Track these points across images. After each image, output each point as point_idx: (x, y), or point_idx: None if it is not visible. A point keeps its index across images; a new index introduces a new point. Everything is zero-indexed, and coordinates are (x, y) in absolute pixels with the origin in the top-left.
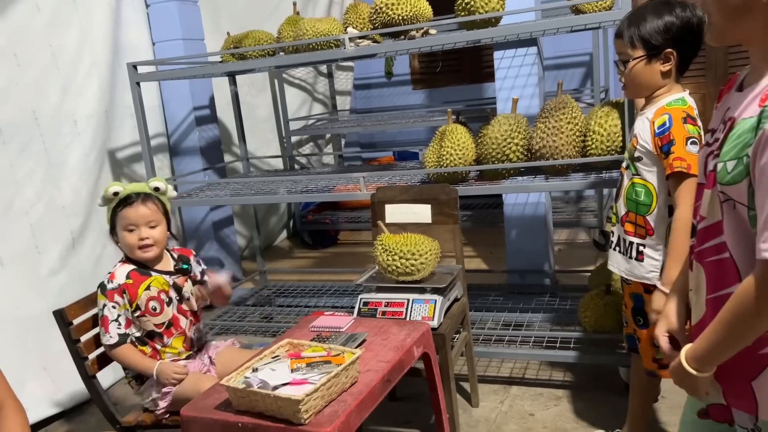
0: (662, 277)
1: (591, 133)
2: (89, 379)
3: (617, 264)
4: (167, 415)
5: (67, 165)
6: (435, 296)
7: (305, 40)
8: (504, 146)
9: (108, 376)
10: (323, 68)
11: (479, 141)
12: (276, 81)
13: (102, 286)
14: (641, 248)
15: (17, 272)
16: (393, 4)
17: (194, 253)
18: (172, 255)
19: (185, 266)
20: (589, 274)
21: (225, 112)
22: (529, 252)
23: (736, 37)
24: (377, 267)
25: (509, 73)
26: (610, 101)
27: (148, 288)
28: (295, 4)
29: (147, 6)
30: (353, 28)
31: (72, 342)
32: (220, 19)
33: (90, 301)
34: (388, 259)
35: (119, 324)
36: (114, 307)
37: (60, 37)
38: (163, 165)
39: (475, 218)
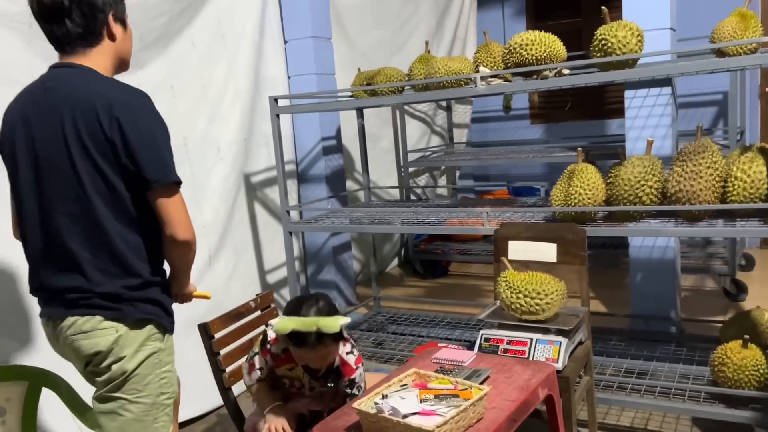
0: None
1: (733, 179)
2: (225, 390)
3: None
4: None
5: (209, 187)
6: (560, 338)
7: (437, 78)
8: (637, 188)
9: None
10: (443, 102)
11: (610, 181)
12: (398, 114)
13: (264, 339)
14: None
15: None
16: (527, 45)
17: (357, 371)
18: (334, 362)
19: (330, 384)
20: (721, 325)
21: (351, 142)
22: (654, 297)
23: None
24: (498, 303)
25: (641, 112)
26: (752, 146)
27: (290, 369)
28: (427, 43)
29: (285, 42)
30: (484, 66)
31: (213, 354)
32: (351, 55)
33: (231, 317)
34: (512, 297)
35: (261, 372)
36: (262, 359)
37: (210, 70)
38: (291, 190)
39: (595, 258)
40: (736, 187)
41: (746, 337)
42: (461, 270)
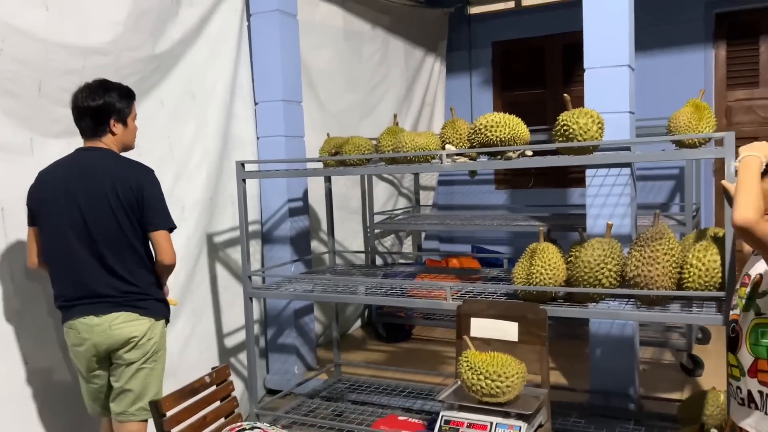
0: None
1: (688, 267)
2: None
3: (750, 423)
4: None
5: None
6: (520, 422)
7: (403, 153)
8: (597, 271)
9: None
10: None
11: (570, 261)
12: (366, 176)
13: None
14: None
15: None
16: (492, 126)
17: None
18: None
19: None
20: (678, 404)
21: (318, 203)
22: (613, 373)
23: None
24: (459, 382)
25: (601, 191)
26: (707, 232)
27: None
28: (395, 116)
29: (256, 103)
30: (450, 143)
31: None
32: (323, 117)
33: (184, 393)
34: (473, 378)
35: None
36: None
37: (178, 129)
38: (255, 251)
39: (555, 328)
40: (691, 274)
41: (704, 422)
42: (424, 334)
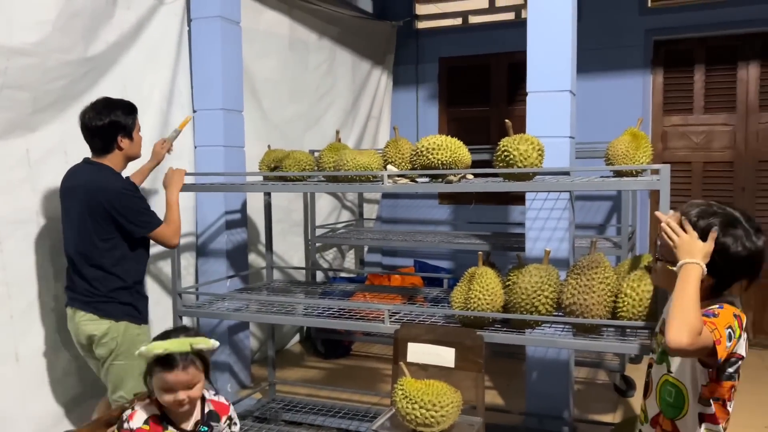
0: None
1: (623, 296)
2: None
3: None
4: None
5: None
6: None
7: (344, 172)
8: (534, 297)
9: None
10: None
11: (508, 287)
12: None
13: (120, 424)
14: None
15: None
16: (434, 149)
17: (231, 407)
18: (204, 408)
19: (204, 429)
20: (611, 428)
21: (258, 215)
22: (548, 396)
23: None
24: (393, 410)
25: (540, 214)
26: (641, 260)
27: None
28: (337, 132)
29: (194, 111)
30: (392, 164)
31: None
32: (265, 127)
33: (100, 424)
34: (407, 407)
35: None
36: None
37: None
38: (189, 264)
39: (493, 346)
40: (626, 303)
41: None
42: (363, 350)
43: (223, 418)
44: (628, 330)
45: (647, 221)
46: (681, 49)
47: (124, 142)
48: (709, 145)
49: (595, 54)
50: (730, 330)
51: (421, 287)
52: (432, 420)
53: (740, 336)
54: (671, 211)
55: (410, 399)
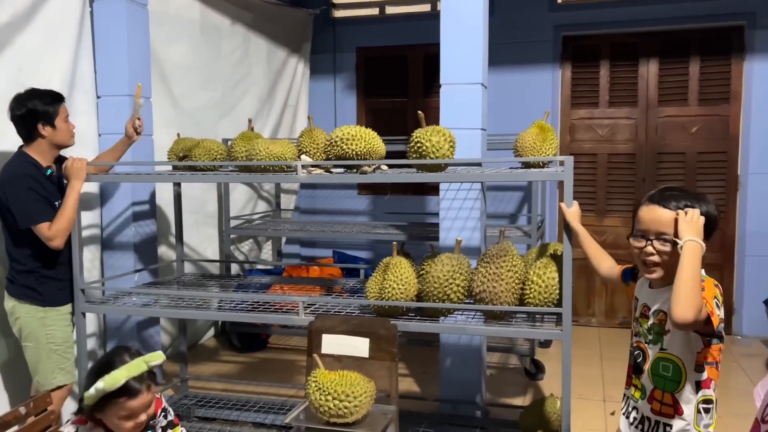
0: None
1: (530, 283)
2: None
3: None
4: None
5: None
6: None
7: (257, 162)
8: (446, 286)
9: None
10: None
11: (421, 277)
12: None
13: None
14: (668, 429)
15: None
16: (348, 140)
17: (164, 401)
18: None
19: None
20: (521, 410)
21: (169, 206)
22: (462, 382)
23: None
24: (307, 402)
25: (453, 204)
26: (548, 248)
27: None
28: (250, 120)
29: (98, 97)
30: (307, 154)
31: None
32: (177, 115)
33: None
34: (320, 399)
35: None
36: None
37: (5, 123)
38: (94, 258)
39: (409, 335)
40: (532, 290)
41: (541, 428)
42: (281, 342)
43: (159, 413)
44: (537, 316)
45: (556, 211)
46: (588, 45)
47: (46, 130)
48: (614, 138)
49: (506, 48)
50: (716, 300)
51: (340, 278)
52: (345, 411)
53: (722, 302)
54: (575, 202)
55: (323, 391)
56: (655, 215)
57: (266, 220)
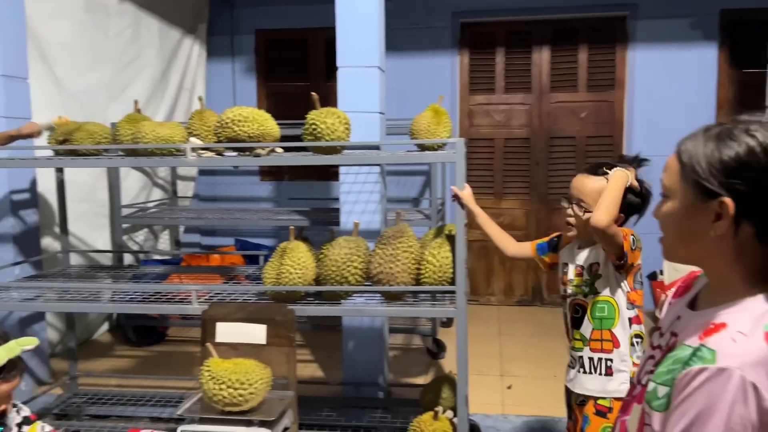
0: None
1: (425, 263)
2: None
3: (585, 385)
4: None
5: None
6: (263, 429)
7: (143, 145)
8: (343, 269)
9: None
10: None
11: (320, 261)
12: None
13: None
14: (609, 363)
15: None
16: (240, 121)
17: (13, 398)
18: None
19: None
20: (421, 389)
21: (53, 194)
22: (365, 364)
23: (687, 259)
24: (201, 393)
25: (353, 188)
26: (443, 229)
27: None
28: (136, 102)
29: None
30: (197, 137)
31: None
32: (60, 98)
33: None
34: (214, 388)
35: None
36: None
37: None
38: None
39: (313, 320)
40: (427, 270)
41: (437, 409)
42: (180, 334)
43: (10, 407)
44: (438, 296)
45: None
46: (485, 32)
47: None
48: (509, 123)
49: (405, 33)
50: (633, 237)
51: (241, 266)
52: (240, 398)
53: (640, 249)
54: (466, 185)
55: (217, 380)
56: (579, 183)
57: (162, 208)
